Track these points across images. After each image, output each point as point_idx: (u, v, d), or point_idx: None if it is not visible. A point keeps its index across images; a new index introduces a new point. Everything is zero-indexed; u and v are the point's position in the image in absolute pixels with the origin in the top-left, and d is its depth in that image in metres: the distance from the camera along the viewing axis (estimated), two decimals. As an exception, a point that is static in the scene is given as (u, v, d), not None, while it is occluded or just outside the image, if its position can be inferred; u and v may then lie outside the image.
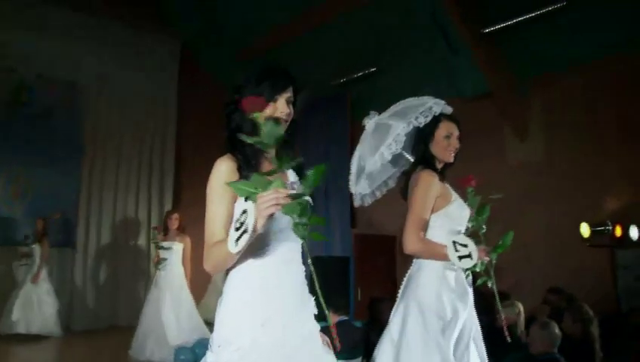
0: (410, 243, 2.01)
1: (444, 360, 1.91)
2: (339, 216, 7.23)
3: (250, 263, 1.36)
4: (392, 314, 2.11)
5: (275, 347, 1.31)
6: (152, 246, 5.17)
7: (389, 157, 2.16)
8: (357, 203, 2.38)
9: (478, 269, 1.95)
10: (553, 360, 2.81)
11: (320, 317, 1.42)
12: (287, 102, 1.43)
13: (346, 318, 3.34)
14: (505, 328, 2.07)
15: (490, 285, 2.01)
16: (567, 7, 5.05)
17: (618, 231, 5.07)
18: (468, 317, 2.03)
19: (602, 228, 5.09)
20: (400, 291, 2.12)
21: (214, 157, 1.40)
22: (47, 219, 6.19)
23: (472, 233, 2.02)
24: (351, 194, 2.40)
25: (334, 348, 1.44)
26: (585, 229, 5.15)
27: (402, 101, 2.23)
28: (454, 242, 1.90)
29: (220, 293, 1.42)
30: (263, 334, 1.31)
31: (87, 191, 7.09)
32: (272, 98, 1.40)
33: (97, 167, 7.20)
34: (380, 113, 2.28)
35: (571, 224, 5.25)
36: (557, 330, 2.88)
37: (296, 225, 1.20)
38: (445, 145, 2.12)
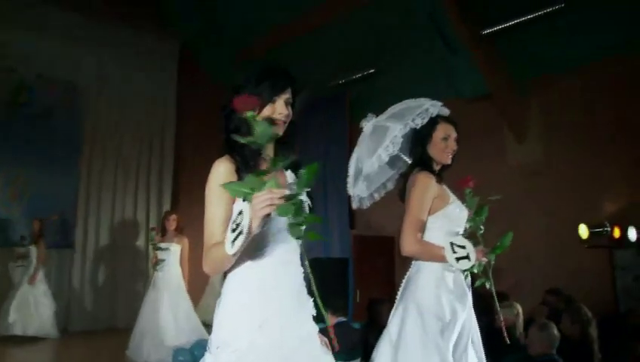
0: (407, 244, 2.01)
1: (442, 361, 1.91)
2: (338, 217, 7.23)
3: (248, 266, 1.35)
4: (390, 315, 2.11)
5: (273, 348, 1.31)
6: (150, 247, 5.17)
7: (386, 159, 2.16)
8: (355, 205, 2.39)
9: (476, 270, 1.96)
10: (552, 361, 2.81)
11: (318, 319, 1.42)
12: (286, 103, 1.43)
13: (344, 319, 3.34)
14: (503, 329, 2.07)
15: (488, 286, 2.01)
16: (566, 9, 5.06)
17: (616, 233, 5.08)
18: (467, 319, 2.03)
19: (600, 229, 5.09)
20: (399, 293, 2.12)
21: (214, 158, 1.40)
22: (44, 220, 6.16)
23: (470, 234, 2.02)
24: (350, 196, 2.41)
25: (332, 349, 1.44)
26: (583, 230, 5.15)
27: (400, 103, 2.23)
28: (452, 243, 1.91)
29: (217, 295, 1.42)
30: (260, 336, 1.30)
31: (85, 192, 7.08)
32: (270, 99, 1.40)
33: (96, 167, 7.19)
34: (378, 114, 2.28)
35: (570, 225, 5.26)
36: (555, 331, 2.88)
37: (291, 225, 1.19)
38: (443, 147, 2.13)
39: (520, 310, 3.70)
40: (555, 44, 5.54)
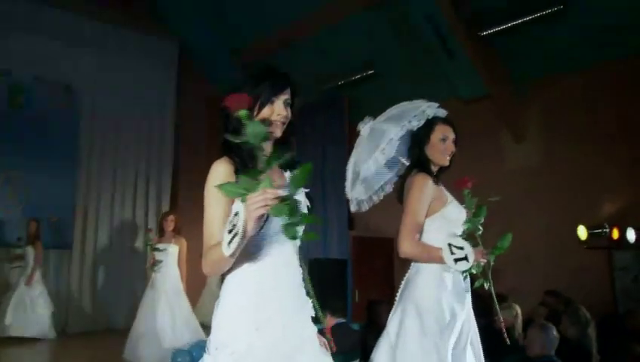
0: (404, 246, 2.00)
1: (441, 362, 1.91)
2: (337, 218, 7.22)
3: (246, 267, 1.35)
4: (389, 316, 2.10)
5: (271, 350, 1.30)
6: (147, 248, 5.16)
7: (383, 162, 2.16)
8: (353, 208, 2.38)
9: (474, 271, 1.95)
10: (550, 362, 2.81)
11: (315, 320, 1.41)
12: (285, 104, 1.42)
13: (343, 321, 3.34)
14: (503, 330, 2.06)
15: (487, 287, 2.01)
16: (566, 10, 5.07)
17: (615, 234, 5.08)
18: (466, 319, 2.03)
19: (599, 230, 5.10)
20: (398, 294, 2.11)
21: (212, 159, 1.39)
22: (41, 221, 6.12)
23: (468, 235, 2.02)
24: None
25: (330, 350, 1.44)
26: (582, 232, 5.15)
27: (397, 105, 2.23)
28: (450, 245, 1.90)
29: (214, 296, 1.41)
30: (258, 338, 1.30)
31: (84, 193, 7.06)
32: (269, 100, 1.39)
33: (94, 168, 7.18)
34: (377, 116, 2.28)
35: (569, 225, 5.26)
36: (555, 333, 2.88)
37: (285, 226, 1.18)
38: (441, 148, 2.12)
39: (519, 311, 3.71)
40: (555, 45, 5.55)
